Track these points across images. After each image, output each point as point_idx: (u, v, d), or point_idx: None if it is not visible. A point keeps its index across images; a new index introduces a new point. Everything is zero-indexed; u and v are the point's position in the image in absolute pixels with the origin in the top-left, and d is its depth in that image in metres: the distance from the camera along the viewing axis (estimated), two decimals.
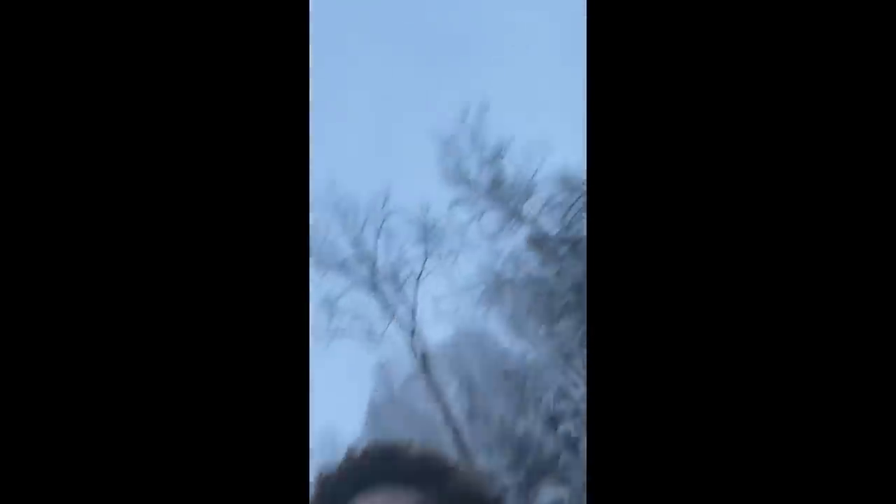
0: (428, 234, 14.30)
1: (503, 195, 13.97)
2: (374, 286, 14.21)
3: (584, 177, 0.45)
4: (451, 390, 15.36)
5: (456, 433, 13.42)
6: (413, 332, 14.15)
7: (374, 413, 16.37)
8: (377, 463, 0.53)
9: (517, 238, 14.25)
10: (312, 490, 0.55)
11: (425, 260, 14.30)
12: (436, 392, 14.13)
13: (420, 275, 14.27)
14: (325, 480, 0.55)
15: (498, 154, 13.98)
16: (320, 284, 13.97)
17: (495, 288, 14.51)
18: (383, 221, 14.37)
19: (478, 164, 14.14)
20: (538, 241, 13.56)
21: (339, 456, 0.55)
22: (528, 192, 13.87)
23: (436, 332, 15.54)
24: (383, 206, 14.34)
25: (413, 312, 14.46)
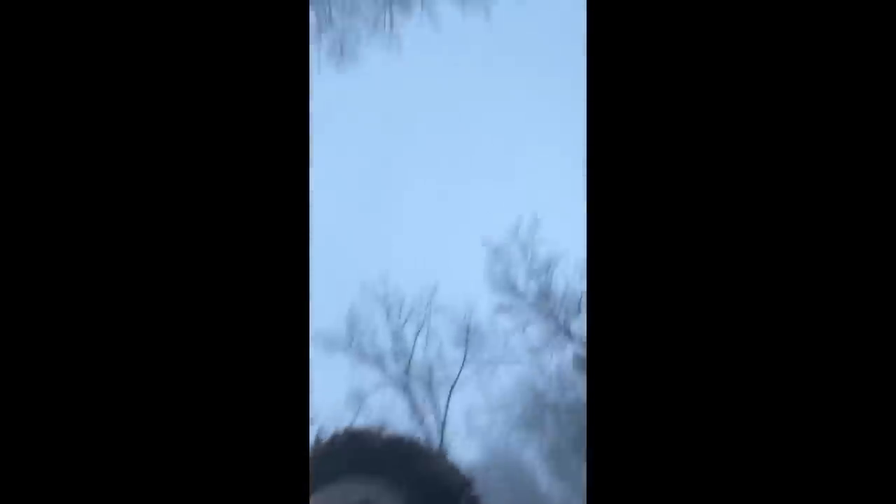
0: (470, 336, 13.77)
1: (551, 308, 13.47)
2: (405, 386, 13.54)
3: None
4: None
5: None
6: (440, 447, 12.95)
7: None
8: (344, 450, 0.52)
9: (564, 355, 13.37)
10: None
11: (462, 364, 13.59)
12: None
13: (455, 381, 13.48)
14: None
15: (548, 266, 13.79)
16: (351, 376, 13.56)
17: (535, 412, 13.26)
18: (425, 319, 14.15)
19: (526, 275, 13.97)
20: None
21: None
22: (577, 309, 13.32)
23: (464, 452, 14.10)
24: (429, 302, 14.24)
25: (443, 424, 13.39)
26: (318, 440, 0.52)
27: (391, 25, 9.88)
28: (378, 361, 13.83)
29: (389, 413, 13.34)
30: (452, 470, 0.52)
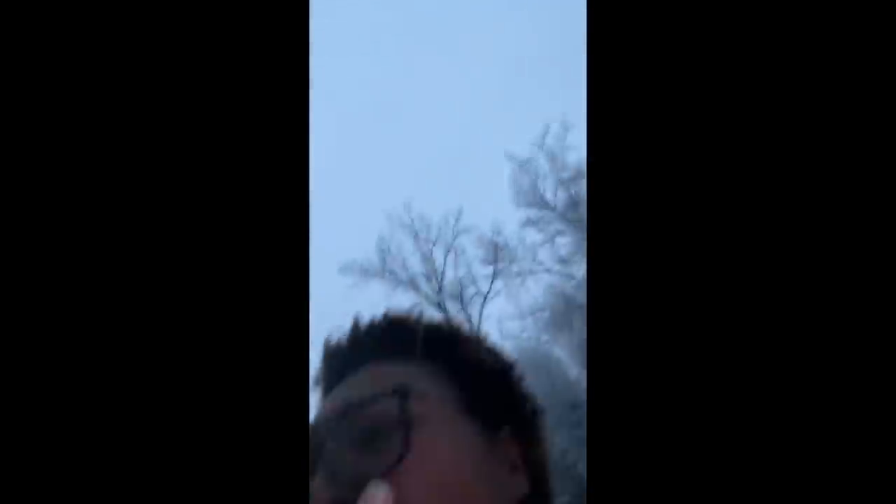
0: (498, 254, 14.11)
1: (580, 217, 13.57)
2: (439, 304, 14.16)
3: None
4: None
5: None
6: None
7: None
8: (385, 334, 0.50)
9: None
10: (318, 361, 0.52)
11: (493, 280, 14.10)
12: None
13: (487, 295, 14.08)
14: (331, 350, 0.51)
15: (578, 175, 13.60)
16: (389, 299, 14.10)
17: (564, 313, 14.05)
18: (453, 240, 14.37)
19: (554, 186, 13.87)
20: None
21: None
22: None
23: None
24: (455, 224, 14.36)
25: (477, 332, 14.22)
26: (356, 325, 0.51)
27: None
28: (412, 284, 14.29)
29: None
30: (494, 353, 0.50)
